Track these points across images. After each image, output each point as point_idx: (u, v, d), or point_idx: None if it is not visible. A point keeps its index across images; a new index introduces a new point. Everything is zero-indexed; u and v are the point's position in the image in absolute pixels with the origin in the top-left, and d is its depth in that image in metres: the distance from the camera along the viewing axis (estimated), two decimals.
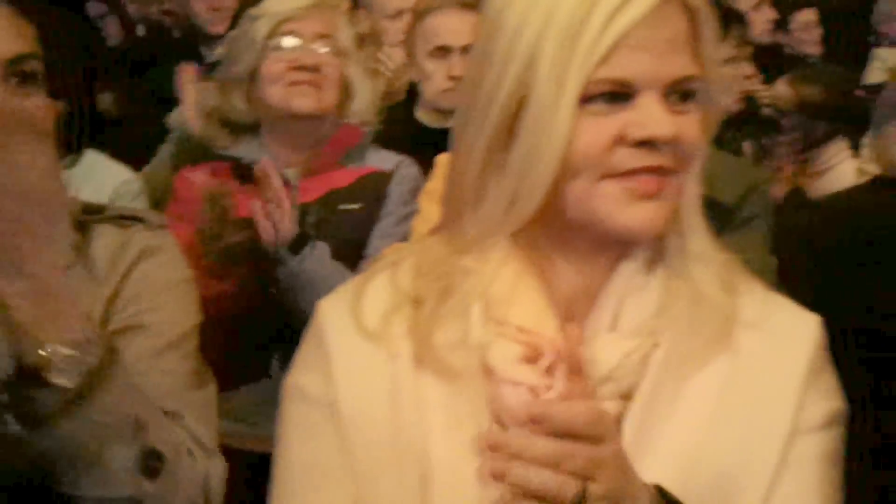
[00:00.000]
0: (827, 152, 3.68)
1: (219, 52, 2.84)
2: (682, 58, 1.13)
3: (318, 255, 2.32)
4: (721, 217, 2.31)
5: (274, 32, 2.46)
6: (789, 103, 3.82)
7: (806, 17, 5.39)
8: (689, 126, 1.14)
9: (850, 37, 5.36)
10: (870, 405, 2.05)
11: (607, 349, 1.17)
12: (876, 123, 2.30)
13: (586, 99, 1.10)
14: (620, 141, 1.11)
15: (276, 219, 2.30)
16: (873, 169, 2.44)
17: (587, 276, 1.21)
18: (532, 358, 1.16)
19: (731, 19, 2.67)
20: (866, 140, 3.24)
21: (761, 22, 5.01)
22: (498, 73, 1.14)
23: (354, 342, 1.21)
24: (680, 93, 1.13)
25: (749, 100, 2.93)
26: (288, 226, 2.30)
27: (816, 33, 5.39)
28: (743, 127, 3.51)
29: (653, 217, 1.14)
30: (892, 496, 2.09)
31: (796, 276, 2.28)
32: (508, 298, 1.18)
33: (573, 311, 1.20)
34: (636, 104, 1.11)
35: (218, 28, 3.79)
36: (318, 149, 2.52)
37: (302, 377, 1.25)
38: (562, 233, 1.19)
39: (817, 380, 1.20)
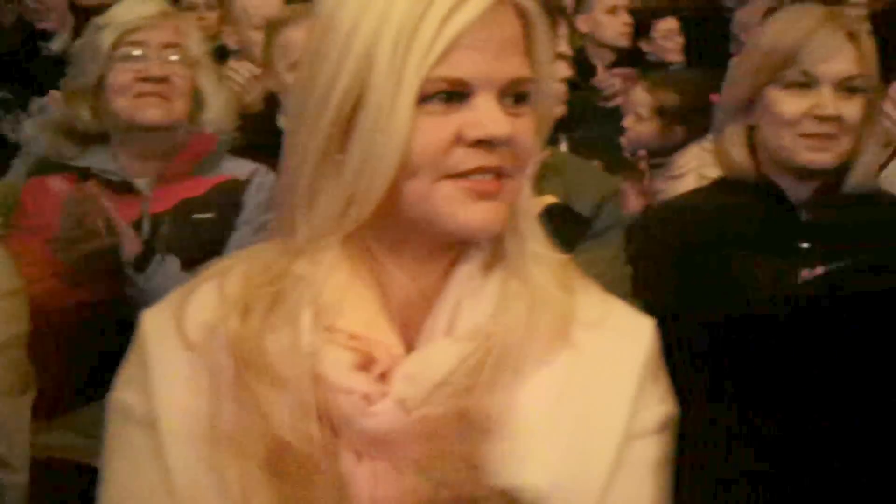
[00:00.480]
0: (683, 157, 3.76)
1: (54, 46, 2.80)
2: (515, 59, 1.14)
3: (166, 270, 2.29)
4: (577, 227, 2.33)
5: (120, 42, 2.43)
6: (647, 108, 3.90)
7: (667, 25, 5.52)
8: (524, 127, 1.15)
9: (710, 45, 5.48)
10: (712, 403, 2.10)
11: (442, 354, 1.16)
12: (716, 126, 2.36)
13: (423, 99, 1.10)
14: (458, 141, 1.12)
15: (122, 234, 2.28)
16: (713, 172, 2.51)
17: (422, 281, 1.20)
18: (364, 365, 1.14)
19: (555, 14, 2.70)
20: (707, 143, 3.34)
21: (618, 25, 5.09)
22: (332, 72, 1.12)
23: (176, 355, 1.18)
24: (514, 95, 1.14)
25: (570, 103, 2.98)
26: (129, 244, 2.28)
27: (678, 41, 5.51)
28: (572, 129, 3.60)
29: (491, 216, 1.14)
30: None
31: (644, 277, 2.33)
32: (340, 304, 1.16)
33: (409, 317, 1.19)
34: (472, 104, 1.12)
35: (45, 25, 3.75)
36: (169, 158, 2.50)
37: (122, 392, 1.21)
38: (396, 236, 1.18)
39: (651, 384, 1.22)
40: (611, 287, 2.08)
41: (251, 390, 1.14)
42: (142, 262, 2.27)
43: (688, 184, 3.48)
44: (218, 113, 2.58)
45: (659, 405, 1.22)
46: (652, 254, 2.32)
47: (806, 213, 2.23)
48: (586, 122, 4.24)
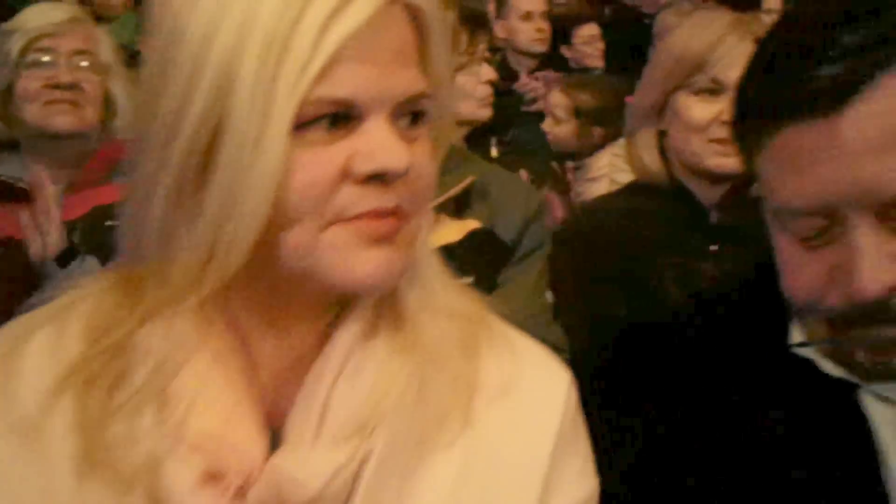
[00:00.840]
0: (599, 160, 3.79)
1: None
2: (410, 72, 0.94)
3: (87, 269, 2.27)
4: (501, 254, 2.32)
5: (28, 48, 2.41)
6: (564, 110, 3.93)
7: (588, 31, 5.56)
8: (422, 154, 0.95)
9: (631, 50, 5.54)
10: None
11: (309, 465, 0.94)
12: (628, 130, 2.38)
13: (300, 125, 0.89)
14: (345, 177, 0.90)
15: (43, 231, 2.25)
16: (626, 176, 2.53)
17: (296, 354, 0.99)
18: (217, 476, 0.93)
19: (475, 23, 2.73)
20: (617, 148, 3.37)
21: (531, 31, 5.13)
22: (184, 92, 0.89)
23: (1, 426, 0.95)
24: (410, 114, 0.94)
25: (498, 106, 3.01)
26: (56, 238, 2.25)
27: (598, 47, 5.56)
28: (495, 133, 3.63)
29: (388, 264, 0.93)
30: None
31: (562, 282, 2.34)
32: (193, 394, 0.93)
33: (279, 397, 0.98)
34: (362, 130, 0.91)
35: None
36: (81, 165, 2.48)
37: None
38: (266, 296, 0.97)
39: (565, 461, 1.05)
40: (532, 317, 2.10)
41: (90, 494, 0.92)
42: (64, 260, 2.24)
43: (603, 187, 3.52)
44: (130, 119, 2.55)
45: (573, 487, 1.05)
46: (566, 262, 2.33)
47: (715, 216, 2.27)
48: (515, 127, 4.28)
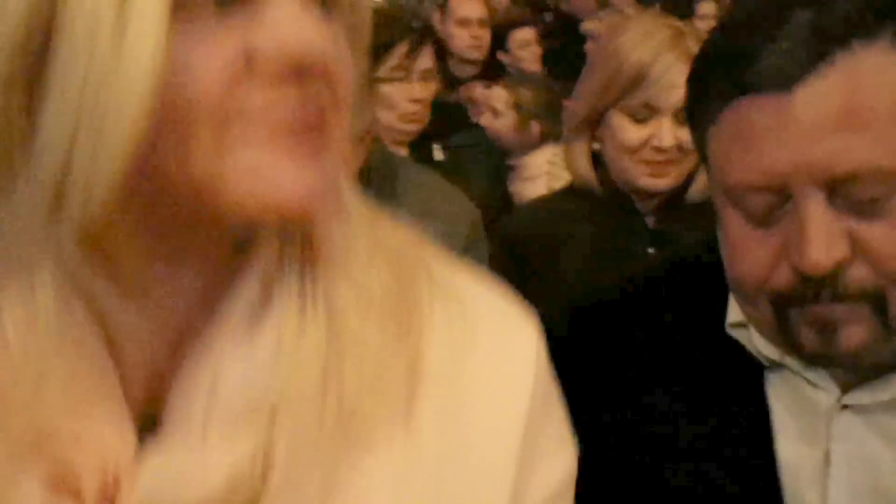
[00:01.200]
0: (535, 159, 3.79)
1: None
2: None
3: None
4: None
5: None
6: (504, 103, 3.95)
7: (523, 35, 5.59)
8: (339, 45, 0.72)
9: (567, 54, 5.58)
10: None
11: (196, 466, 0.71)
12: (566, 137, 2.41)
13: (178, 2, 0.64)
14: (248, 72, 0.67)
15: None
16: (563, 177, 2.55)
17: (174, 323, 0.75)
18: (69, 480, 0.70)
19: (419, 36, 2.75)
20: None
21: (466, 38, 5.15)
22: None
23: None
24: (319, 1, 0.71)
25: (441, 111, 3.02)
26: None
27: (534, 51, 5.59)
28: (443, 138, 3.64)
29: (317, 184, 0.69)
30: None
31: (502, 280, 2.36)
32: (35, 383, 0.69)
33: (153, 387, 0.74)
34: (264, 7, 0.68)
35: None
36: None
37: None
38: (138, 247, 0.72)
39: (539, 439, 0.83)
40: None
41: None
42: None
43: (540, 186, 3.53)
44: None
45: (552, 466, 0.85)
46: (504, 265, 2.35)
47: (652, 221, 2.30)
48: (460, 131, 4.31)
